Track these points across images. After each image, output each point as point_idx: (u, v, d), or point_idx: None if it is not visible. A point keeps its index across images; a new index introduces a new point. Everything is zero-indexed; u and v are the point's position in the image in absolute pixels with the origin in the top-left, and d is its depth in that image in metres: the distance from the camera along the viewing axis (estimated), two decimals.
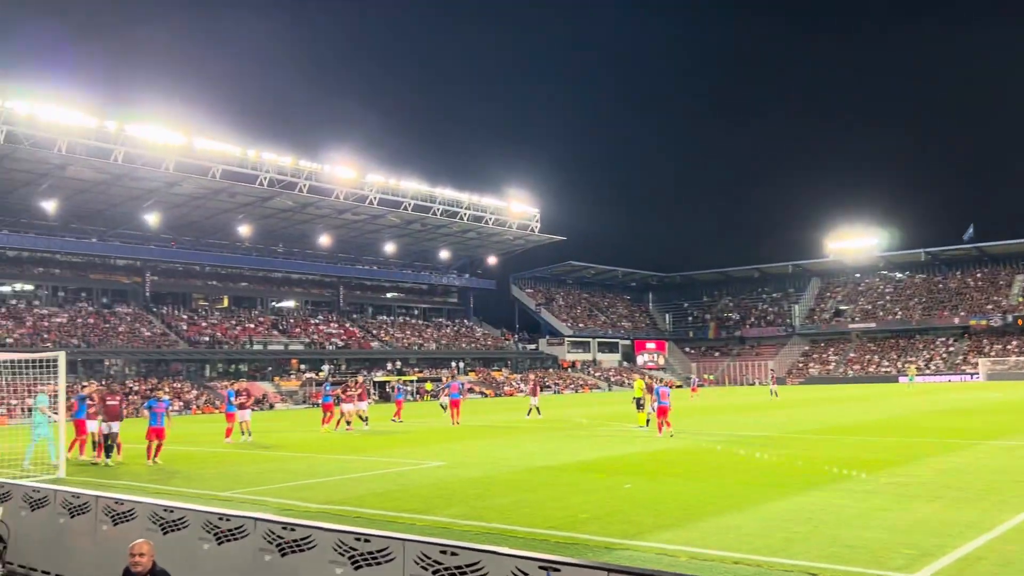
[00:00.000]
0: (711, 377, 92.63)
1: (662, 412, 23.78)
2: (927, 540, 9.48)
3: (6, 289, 62.24)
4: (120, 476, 17.62)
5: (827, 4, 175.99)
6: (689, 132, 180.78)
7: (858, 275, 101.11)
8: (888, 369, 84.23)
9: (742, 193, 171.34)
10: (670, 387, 27.12)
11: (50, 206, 59.89)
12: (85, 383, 25.69)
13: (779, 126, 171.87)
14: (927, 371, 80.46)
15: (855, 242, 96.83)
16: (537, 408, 35.68)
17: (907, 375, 73.55)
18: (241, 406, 26.60)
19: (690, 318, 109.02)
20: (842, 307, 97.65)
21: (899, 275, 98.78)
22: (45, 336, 55.33)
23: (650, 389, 26.70)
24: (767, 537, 9.84)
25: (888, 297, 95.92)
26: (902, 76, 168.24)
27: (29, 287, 63.42)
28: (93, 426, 20.30)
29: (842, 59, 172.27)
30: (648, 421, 26.67)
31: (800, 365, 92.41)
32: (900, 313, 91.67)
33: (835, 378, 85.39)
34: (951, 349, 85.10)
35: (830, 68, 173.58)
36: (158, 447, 19.67)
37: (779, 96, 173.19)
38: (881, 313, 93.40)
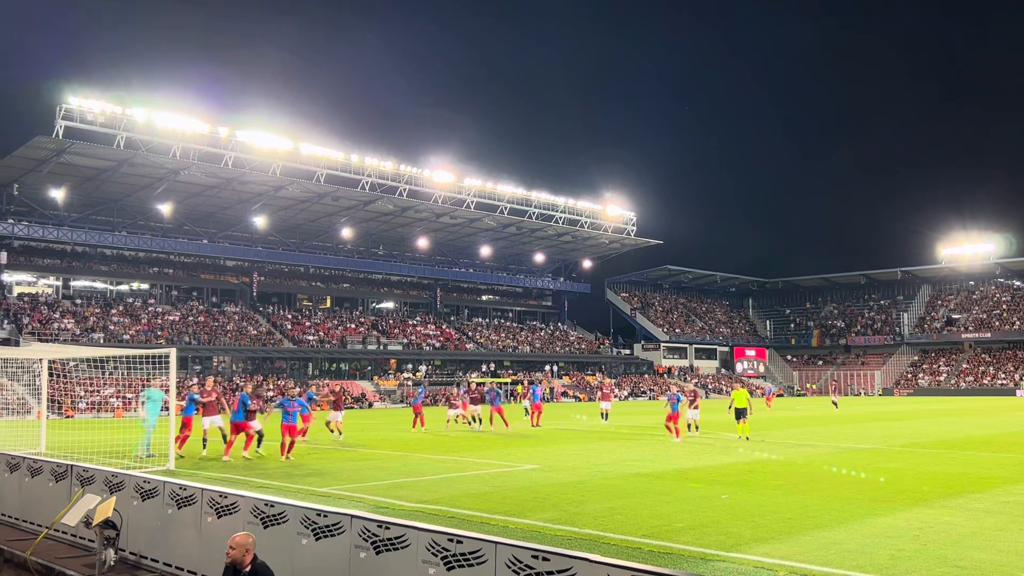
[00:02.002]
0: (813, 386, 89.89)
1: (673, 418, 25.75)
2: None
3: (124, 288, 65.57)
4: (226, 470, 18.27)
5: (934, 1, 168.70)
6: (792, 132, 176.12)
7: (972, 283, 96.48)
8: (1004, 382, 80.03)
9: (847, 196, 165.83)
10: (682, 394, 27.49)
11: (165, 209, 62.79)
12: (194, 380, 26.60)
13: (889, 127, 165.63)
14: None
15: (969, 248, 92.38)
16: (605, 413, 35.13)
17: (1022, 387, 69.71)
18: (335, 406, 26.78)
19: (792, 325, 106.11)
20: (954, 316, 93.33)
21: (1017, 283, 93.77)
22: (159, 333, 58.03)
23: (693, 395, 27.96)
24: (871, 554, 9.46)
25: (1005, 306, 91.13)
26: (1019, 81, 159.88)
27: (145, 286, 66.65)
28: (206, 423, 21.02)
29: (959, 56, 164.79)
30: (748, 437, 25.46)
31: (909, 376, 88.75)
32: (1018, 323, 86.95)
33: (946, 390, 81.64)
34: None
35: (944, 66, 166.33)
36: (291, 444, 20.15)
37: (889, 95, 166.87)
38: (997, 323, 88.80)
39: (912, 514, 12.09)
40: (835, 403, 51.53)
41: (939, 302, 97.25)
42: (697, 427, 27.92)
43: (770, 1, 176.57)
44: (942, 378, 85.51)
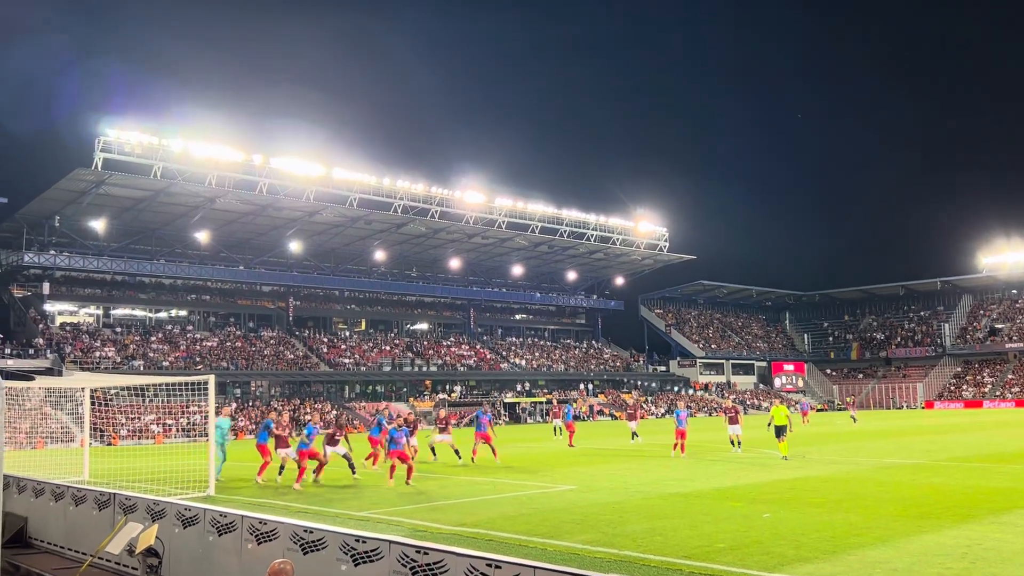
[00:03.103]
0: (852, 400, 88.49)
1: (680, 434, 26.44)
2: None
3: (163, 315, 66.54)
4: (265, 495, 18.38)
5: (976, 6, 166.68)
6: (827, 142, 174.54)
7: (1015, 291, 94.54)
8: None
9: (883, 207, 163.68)
10: (691, 411, 27.85)
11: (201, 236, 63.72)
12: (275, 409, 26.17)
13: (925, 133, 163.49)
14: None
15: (1012, 256, 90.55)
16: (635, 433, 34.88)
17: None
18: (442, 430, 26.33)
19: (831, 338, 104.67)
20: (998, 326, 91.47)
21: None
22: (197, 360, 58.74)
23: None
24: (919, 574, 9.26)
25: None
26: None
27: (183, 313, 67.58)
28: (281, 453, 21.17)
29: (1004, 60, 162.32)
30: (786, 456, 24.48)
31: (952, 387, 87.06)
32: None
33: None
34: None
35: (987, 72, 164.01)
36: (392, 467, 20.17)
37: (928, 102, 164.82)
38: None
39: (960, 531, 11.82)
40: (853, 418, 50.33)
41: (981, 312, 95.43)
42: (739, 443, 27.73)
43: (805, 9, 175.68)
44: (987, 389, 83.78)
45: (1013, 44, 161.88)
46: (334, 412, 55.69)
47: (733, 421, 28.04)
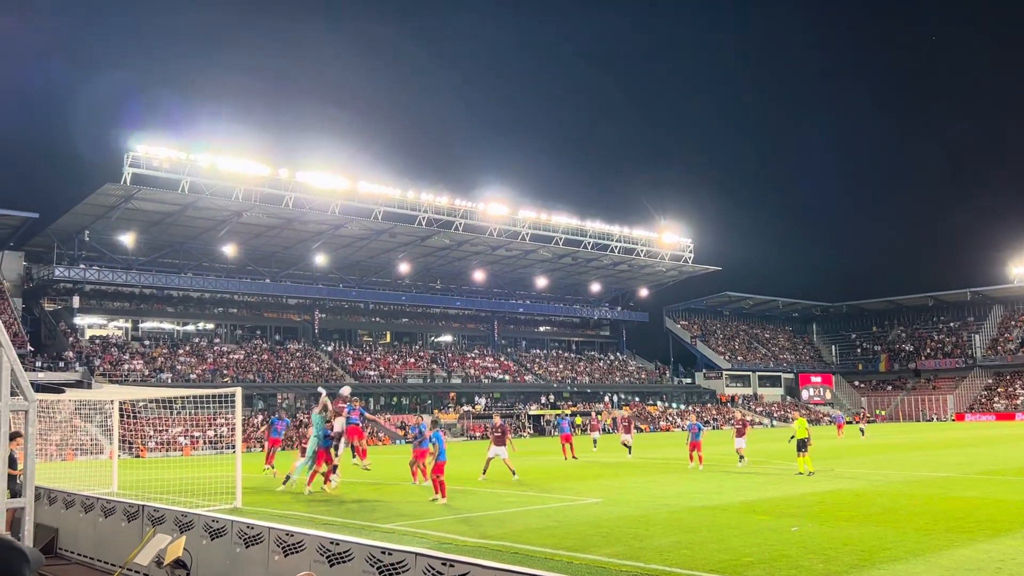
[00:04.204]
0: (882, 412, 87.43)
1: (696, 447, 26.75)
2: None
3: (190, 328, 67.17)
4: (293, 507, 18.45)
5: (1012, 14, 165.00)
6: (851, 152, 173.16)
7: None
8: None
9: (911, 216, 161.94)
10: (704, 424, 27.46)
11: (228, 250, 64.32)
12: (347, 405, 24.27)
13: (952, 141, 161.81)
14: None
15: None
16: (628, 447, 33.92)
17: None
18: (499, 440, 24.60)
19: (859, 350, 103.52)
20: None
21: None
22: (224, 372, 59.20)
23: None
24: None
25: None
26: None
27: (210, 326, 68.18)
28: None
29: None
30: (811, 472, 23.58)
31: (983, 399, 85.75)
32: None
33: None
34: None
35: (1014, 73, 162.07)
36: (441, 483, 18.87)
37: (955, 110, 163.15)
38: None
39: (993, 545, 11.63)
40: (862, 430, 49.27)
41: (1012, 323, 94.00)
42: (742, 457, 27.50)
43: (828, 19, 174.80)
44: (1019, 401, 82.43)
45: None
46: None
47: (740, 434, 27.96)
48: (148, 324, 65.42)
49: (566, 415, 47.74)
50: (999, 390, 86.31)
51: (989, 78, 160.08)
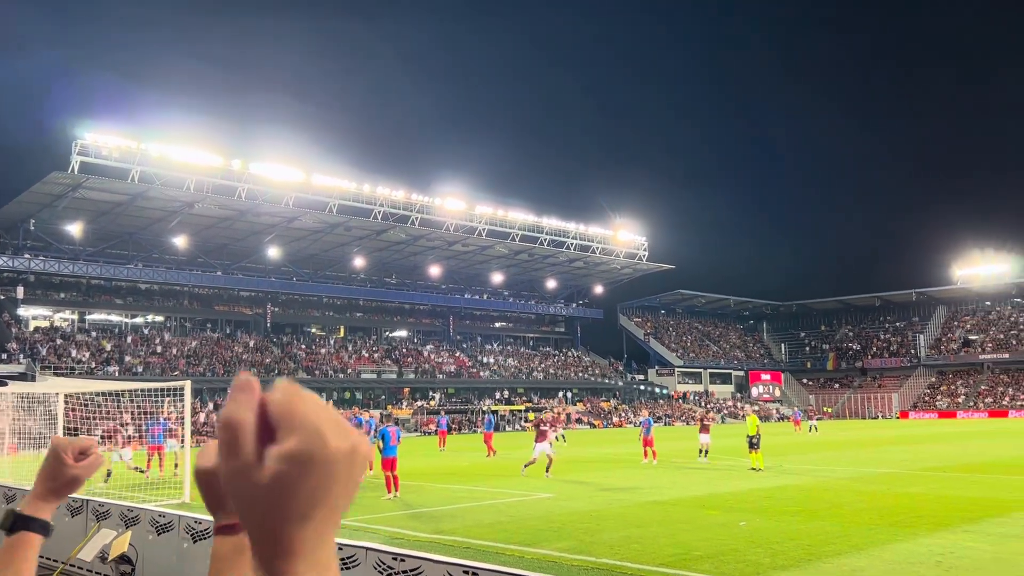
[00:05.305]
0: (829, 410, 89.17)
1: (648, 442, 26.92)
2: None
3: (139, 320, 65.89)
4: None
5: (966, 35, 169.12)
6: (806, 155, 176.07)
7: (988, 303, 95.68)
8: None
9: (860, 218, 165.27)
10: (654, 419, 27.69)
11: (179, 241, 63.22)
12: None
13: (902, 150, 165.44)
14: None
15: (985, 268, 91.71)
16: (551, 443, 33.43)
17: None
18: (542, 435, 23.58)
19: (807, 348, 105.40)
20: (971, 337, 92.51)
21: None
22: (174, 365, 58.21)
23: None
24: None
25: (1022, 327, 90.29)
26: None
27: (159, 318, 66.94)
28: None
29: (977, 82, 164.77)
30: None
31: (926, 398, 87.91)
32: None
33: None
34: None
35: (962, 90, 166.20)
36: (395, 479, 18.58)
37: (903, 117, 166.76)
38: (1015, 343, 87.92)
39: (934, 539, 11.93)
40: (814, 427, 49.94)
41: (955, 323, 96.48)
42: (706, 452, 27.79)
43: (788, 25, 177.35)
44: (960, 400, 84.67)
45: (987, 65, 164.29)
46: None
47: (705, 430, 28.22)
48: (95, 316, 64.01)
49: (490, 412, 47.30)
50: (942, 389, 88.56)
51: (938, 91, 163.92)
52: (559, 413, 40.76)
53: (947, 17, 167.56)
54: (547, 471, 22.75)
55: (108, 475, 20.93)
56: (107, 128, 53.71)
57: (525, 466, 23.58)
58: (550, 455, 23.12)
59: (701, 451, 27.81)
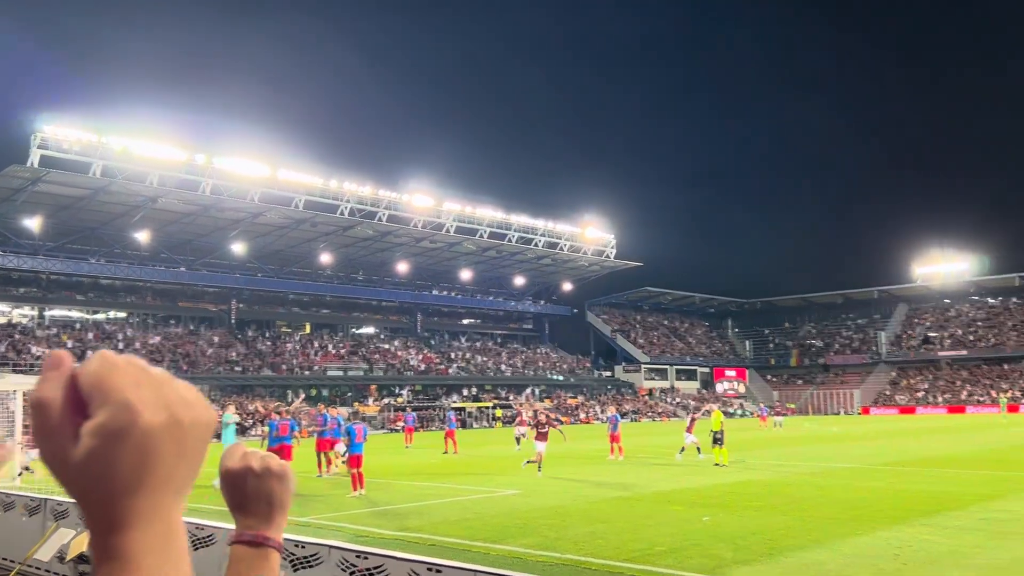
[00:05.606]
0: (792, 406, 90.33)
1: (615, 438, 27.03)
2: None
3: (100, 317, 64.88)
4: (210, 500, 18.04)
5: (928, 36, 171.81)
6: (771, 155, 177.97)
7: (947, 300, 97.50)
8: (982, 398, 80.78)
9: (824, 217, 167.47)
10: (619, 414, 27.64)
11: (142, 237, 62.32)
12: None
13: (865, 148, 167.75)
14: None
15: (944, 267, 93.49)
16: (518, 439, 33.10)
17: (1000, 404, 70.54)
18: (543, 436, 23.24)
19: (771, 345, 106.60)
20: (931, 334, 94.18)
21: (992, 300, 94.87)
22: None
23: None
24: (851, 575, 9.49)
25: (980, 323, 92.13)
26: (1000, 99, 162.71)
27: (122, 315, 65.96)
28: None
29: (938, 82, 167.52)
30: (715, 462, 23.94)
31: (887, 393, 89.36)
32: (993, 340, 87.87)
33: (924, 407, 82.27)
34: None
35: (924, 90, 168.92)
36: (360, 476, 18.48)
37: (865, 118, 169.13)
38: (972, 339, 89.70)
39: (892, 533, 12.15)
40: (779, 423, 50.99)
41: (915, 320, 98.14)
42: (697, 450, 26.79)
43: (756, 26, 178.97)
44: (920, 395, 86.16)
45: (949, 66, 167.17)
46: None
47: (690, 429, 27.29)
48: (55, 312, 62.92)
49: (450, 409, 47.39)
50: (902, 384, 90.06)
51: (898, 90, 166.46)
52: (527, 409, 40.90)
53: (909, 16, 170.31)
54: (539, 470, 22.38)
55: (24, 471, 20.48)
56: (68, 121, 52.73)
57: (527, 462, 23.52)
58: (540, 453, 22.88)
59: (699, 449, 26.37)
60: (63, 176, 52.21)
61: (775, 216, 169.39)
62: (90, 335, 59.42)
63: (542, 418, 24.58)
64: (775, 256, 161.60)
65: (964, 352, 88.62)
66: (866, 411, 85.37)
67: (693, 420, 28.21)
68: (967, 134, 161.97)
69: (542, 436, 23.23)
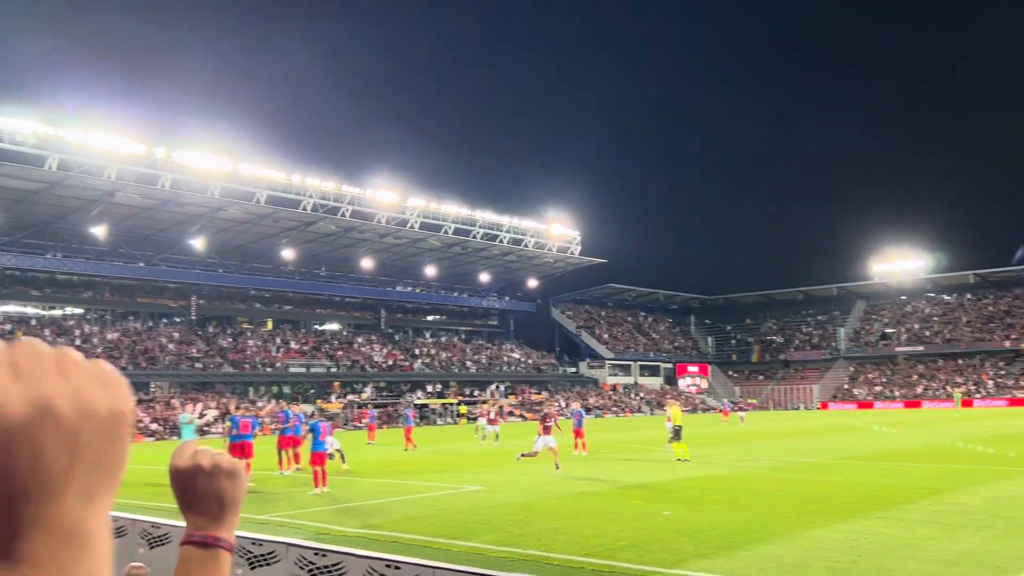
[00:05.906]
0: (754, 401, 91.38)
1: (578, 434, 27.01)
2: (976, 572, 9.19)
3: (56, 313, 63.64)
4: (163, 499, 17.80)
5: (886, 37, 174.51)
6: (731, 153, 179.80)
7: (904, 297, 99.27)
8: (937, 393, 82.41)
9: (785, 215, 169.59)
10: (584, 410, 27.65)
11: (99, 231, 61.22)
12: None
13: (824, 148, 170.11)
14: (978, 395, 78.63)
15: (901, 264, 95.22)
16: (488, 435, 34.01)
17: (954, 398, 72.00)
18: (547, 429, 22.60)
19: (733, 341, 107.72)
20: (888, 330, 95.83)
21: (947, 297, 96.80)
22: (95, 358, 56.33)
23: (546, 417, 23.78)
24: (809, 567, 9.61)
25: (936, 320, 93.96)
26: (953, 101, 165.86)
27: (79, 311, 64.77)
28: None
29: (893, 85, 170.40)
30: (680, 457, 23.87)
31: (845, 389, 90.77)
32: (948, 336, 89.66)
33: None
34: (1002, 373, 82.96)
35: (880, 92, 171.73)
36: (323, 474, 18.28)
37: (824, 118, 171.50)
38: (928, 335, 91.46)
39: (849, 526, 12.33)
40: (742, 418, 51.70)
41: (873, 317, 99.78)
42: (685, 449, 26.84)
43: (704, 29, 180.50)
44: (877, 390, 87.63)
45: (904, 64, 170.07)
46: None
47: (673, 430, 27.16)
48: (9, 308, 61.55)
49: (409, 406, 47.51)
50: (860, 380, 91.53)
51: (854, 90, 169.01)
52: (492, 406, 41.01)
53: (864, 12, 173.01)
54: (556, 467, 21.55)
55: None
56: (23, 113, 51.63)
57: (522, 455, 23.05)
58: (553, 448, 22.13)
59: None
60: (17, 169, 51.10)
61: (738, 214, 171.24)
62: (46, 331, 58.25)
63: (548, 410, 25.25)
64: (738, 254, 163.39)
65: (920, 348, 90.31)
66: (825, 406, 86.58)
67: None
68: (923, 135, 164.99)
69: (547, 430, 22.63)
